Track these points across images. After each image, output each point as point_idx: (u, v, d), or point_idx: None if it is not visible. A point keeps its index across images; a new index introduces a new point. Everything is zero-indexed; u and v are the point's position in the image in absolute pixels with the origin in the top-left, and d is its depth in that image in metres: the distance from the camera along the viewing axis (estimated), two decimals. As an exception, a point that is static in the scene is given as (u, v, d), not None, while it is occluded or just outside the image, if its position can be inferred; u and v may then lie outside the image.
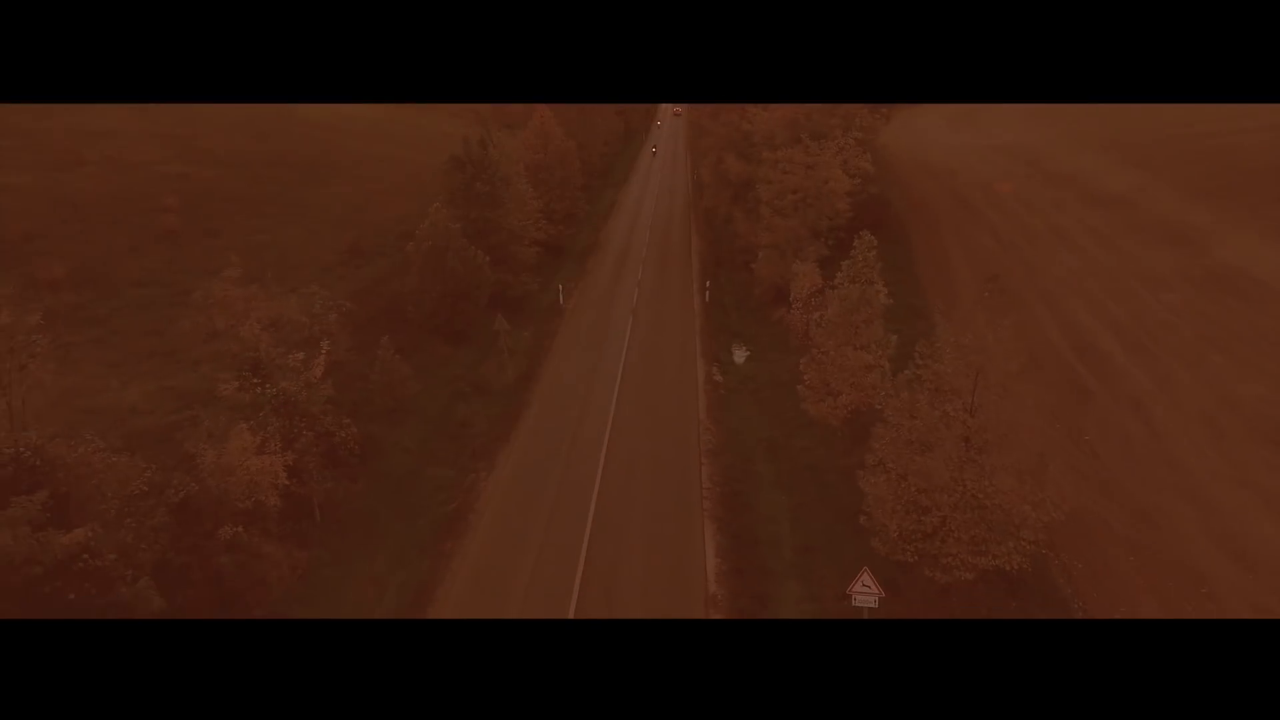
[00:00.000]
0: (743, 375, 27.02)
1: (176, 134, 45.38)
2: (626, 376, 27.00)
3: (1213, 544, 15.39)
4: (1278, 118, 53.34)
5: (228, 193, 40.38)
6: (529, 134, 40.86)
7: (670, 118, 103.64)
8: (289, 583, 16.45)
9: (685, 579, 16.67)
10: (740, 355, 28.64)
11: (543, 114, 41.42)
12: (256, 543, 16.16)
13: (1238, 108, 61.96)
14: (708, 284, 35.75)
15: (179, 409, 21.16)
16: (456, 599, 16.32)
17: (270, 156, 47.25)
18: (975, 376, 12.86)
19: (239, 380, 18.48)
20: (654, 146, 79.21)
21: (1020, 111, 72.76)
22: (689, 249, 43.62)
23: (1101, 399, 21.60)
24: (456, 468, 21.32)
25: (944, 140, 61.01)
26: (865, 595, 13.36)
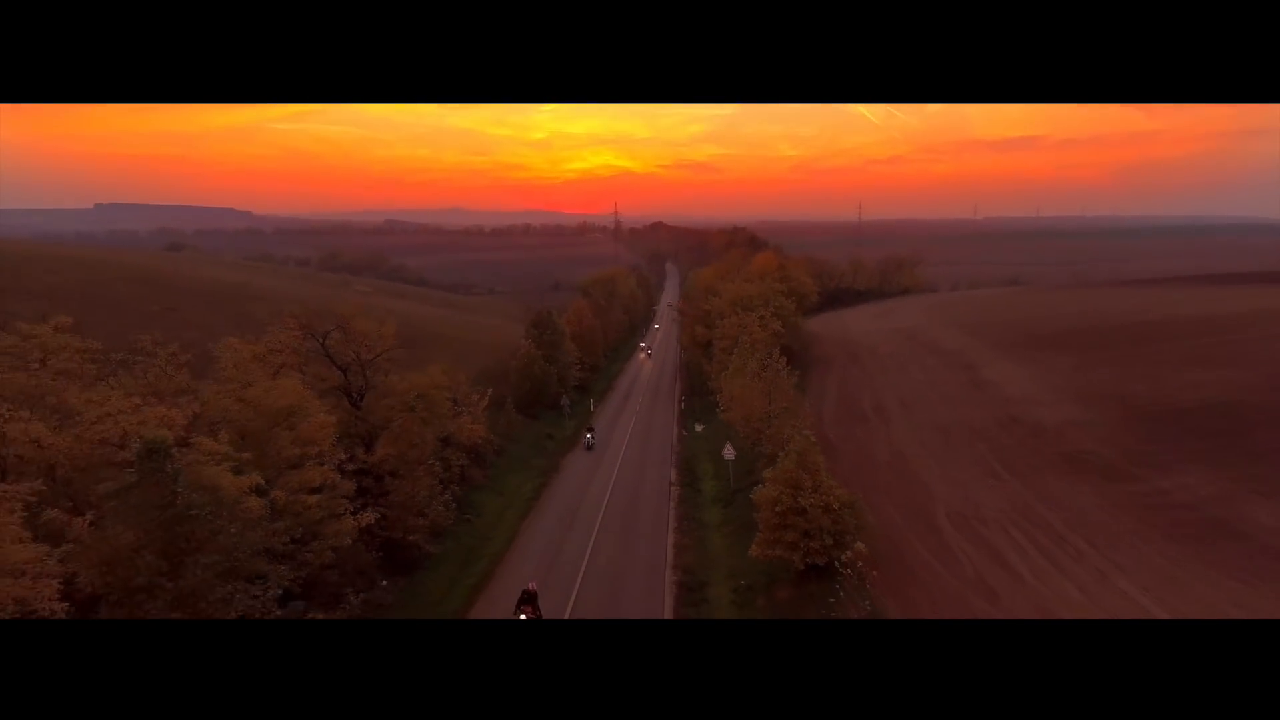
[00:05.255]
0: (699, 435, 49.24)
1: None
2: (632, 437, 49.32)
3: (890, 454, 37.07)
4: (1083, 306, 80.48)
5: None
6: (570, 315, 66.59)
7: (666, 308, 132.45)
8: (481, 479, 37.89)
9: (661, 479, 38.23)
10: (699, 428, 50.99)
11: (579, 304, 67.37)
12: (468, 464, 37.87)
13: (1060, 299, 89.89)
14: (682, 399, 59.09)
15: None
16: (561, 490, 37.71)
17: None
18: (767, 368, 35.83)
19: (453, 406, 41.09)
20: (657, 325, 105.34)
21: (921, 306, 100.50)
22: (674, 386, 67.48)
23: (873, 422, 43.89)
24: (547, 459, 43.21)
25: (861, 327, 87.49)
26: (729, 452, 35.15)
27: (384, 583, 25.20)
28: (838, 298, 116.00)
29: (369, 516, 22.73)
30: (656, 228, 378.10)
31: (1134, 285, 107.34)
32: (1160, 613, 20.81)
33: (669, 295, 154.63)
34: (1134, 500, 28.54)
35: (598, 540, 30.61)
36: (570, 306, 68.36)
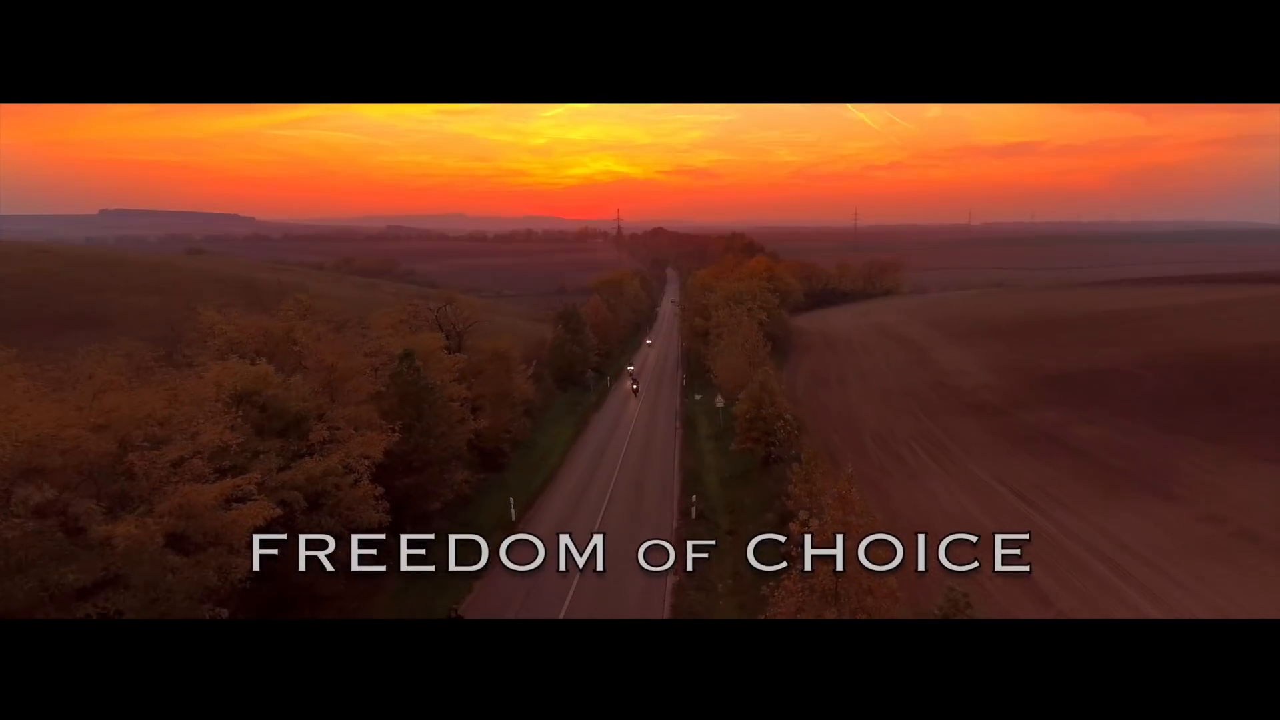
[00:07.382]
0: (697, 402, 62.21)
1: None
2: (644, 402, 62.34)
3: (841, 407, 49.88)
4: (1038, 304, 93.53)
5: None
6: (588, 308, 79.74)
7: (670, 305, 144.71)
8: (531, 429, 50.81)
9: (669, 427, 51.24)
10: (697, 398, 63.91)
11: (594, 300, 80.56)
12: (522, 415, 50.73)
13: (1023, 299, 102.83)
14: (683, 377, 72.27)
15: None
16: (593, 436, 50.57)
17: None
18: (748, 340, 48.80)
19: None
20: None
21: (899, 306, 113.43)
22: (677, 369, 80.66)
23: (834, 388, 56.81)
24: (578, 416, 56.17)
25: (844, 324, 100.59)
26: (719, 401, 48.05)
27: (481, 476, 38.12)
28: (825, 299, 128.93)
29: (484, 420, 35.69)
30: (657, 233, 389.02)
31: (1098, 286, 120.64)
32: (986, 478, 33.74)
33: (669, 299, 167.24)
34: (1001, 426, 41.56)
35: (625, 459, 43.51)
36: (587, 302, 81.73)
